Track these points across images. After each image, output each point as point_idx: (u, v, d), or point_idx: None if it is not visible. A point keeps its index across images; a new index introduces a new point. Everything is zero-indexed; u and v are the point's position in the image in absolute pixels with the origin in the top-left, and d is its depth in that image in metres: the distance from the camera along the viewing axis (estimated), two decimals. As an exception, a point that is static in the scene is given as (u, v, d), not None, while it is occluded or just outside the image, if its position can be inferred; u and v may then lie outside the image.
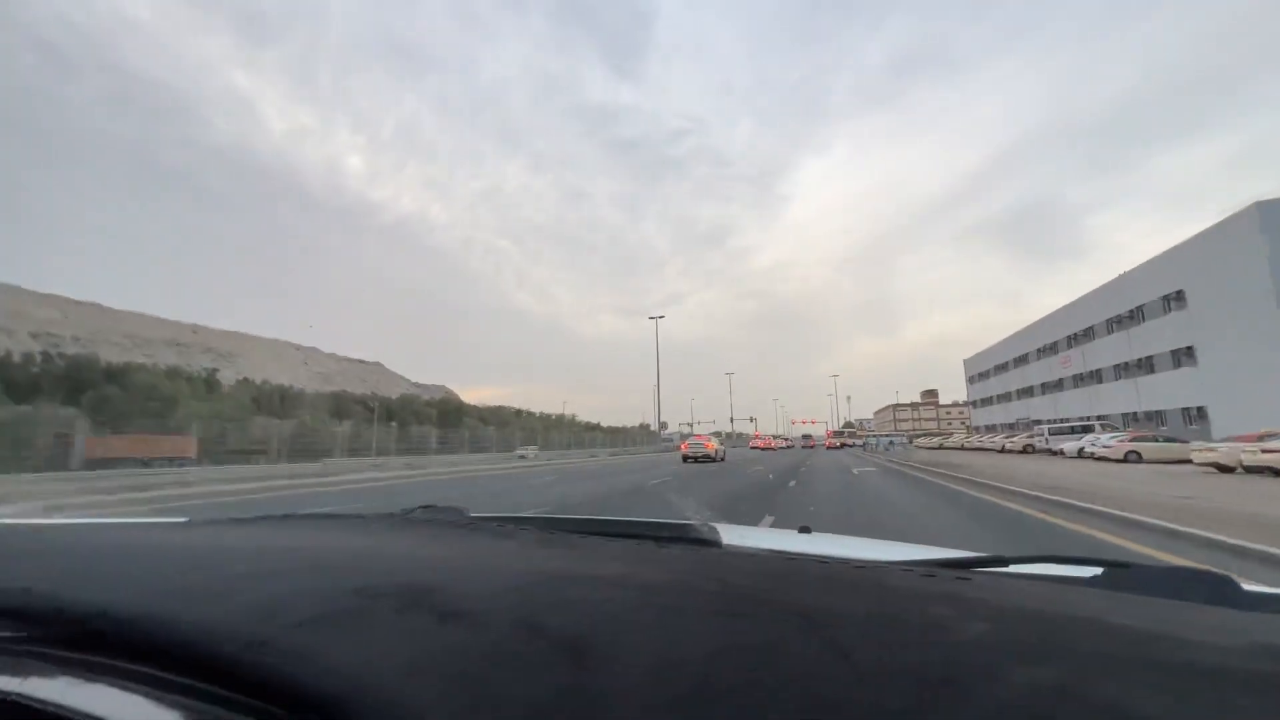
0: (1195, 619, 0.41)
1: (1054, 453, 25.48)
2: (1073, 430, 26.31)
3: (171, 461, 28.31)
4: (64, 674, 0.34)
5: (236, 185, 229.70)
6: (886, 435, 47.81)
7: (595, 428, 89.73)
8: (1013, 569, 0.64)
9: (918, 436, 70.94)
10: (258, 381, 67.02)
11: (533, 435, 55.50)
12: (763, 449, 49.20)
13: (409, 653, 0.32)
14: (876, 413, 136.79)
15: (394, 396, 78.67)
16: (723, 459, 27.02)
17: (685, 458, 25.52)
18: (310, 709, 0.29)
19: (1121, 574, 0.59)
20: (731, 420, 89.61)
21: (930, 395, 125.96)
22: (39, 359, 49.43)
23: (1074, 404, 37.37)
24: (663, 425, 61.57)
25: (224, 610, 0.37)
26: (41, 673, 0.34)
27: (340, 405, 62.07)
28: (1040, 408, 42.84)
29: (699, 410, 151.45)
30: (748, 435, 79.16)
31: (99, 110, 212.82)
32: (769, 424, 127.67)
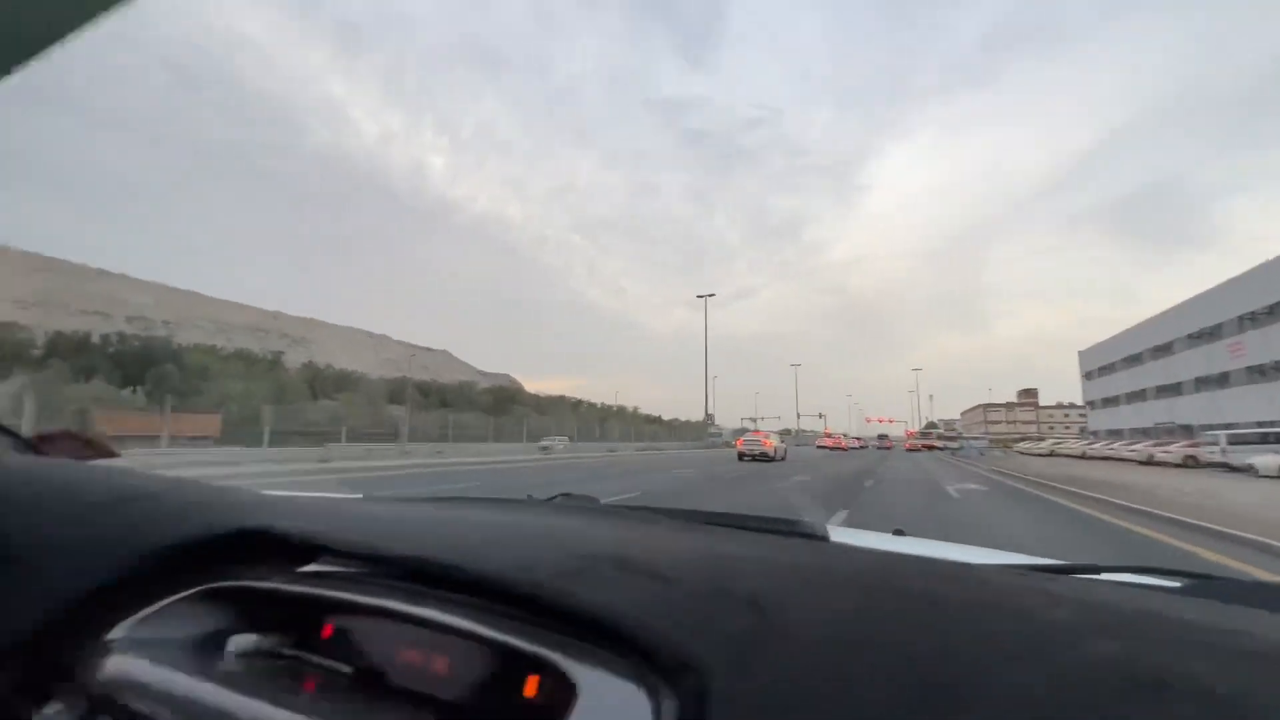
0: (1272, 623, 0.44)
1: (1232, 468, 18.86)
2: (1263, 439, 19.44)
3: (193, 441, 27.32)
4: (402, 597, 0.48)
5: (330, 185, 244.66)
6: (967, 437, 40.28)
7: (655, 421, 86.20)
8: (1104, 576, 0.67)
9: (1017, 441, 61.94)
10: (321, 365, 68.41)
11: (590, 426, 52.69)
12: (830, 449, 43.50)
13: (640, 597, 0.42)
14: (964, 413, 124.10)
15: (455, 384, 78.56)
16: (783, 458, 23.28)
17: (741, 455, 22.75)
18: (587, 629, 0.40)
19: (1208, 585, 0.64)
20: (798, 416, 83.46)
21: (1028, 395, 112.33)
22: (115, 340, 51.46)
23: (1246, 404, 29.07)
24: (710, 418, 55.33)
25: (502, 562, 0.49)
26: (393, 596, 0.48)
27: (397, 390, 61.98)
28: (1190, 409, 34.36)
29: (764, 406, 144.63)
30: (815, 433, 72.40)
31: (214, 119, 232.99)
32: (840, 422, 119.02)
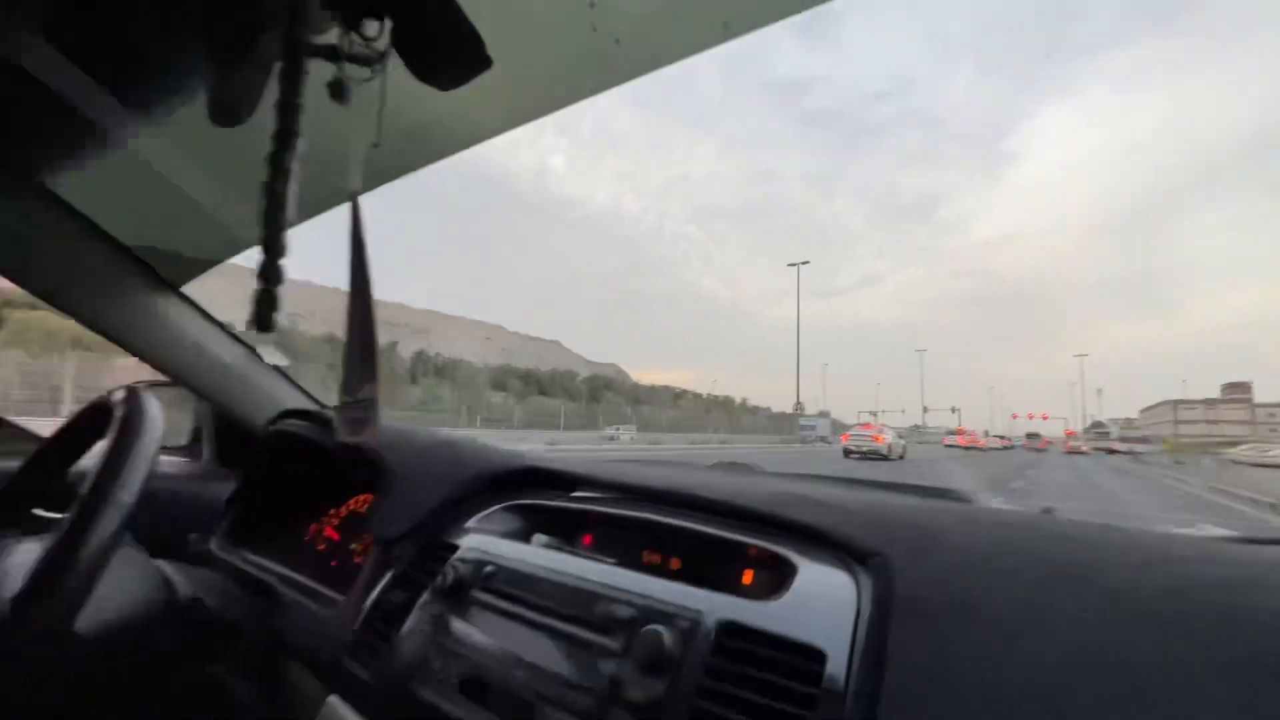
0: None
1: None
2: None
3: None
4: (651, 512, 0.69)
5: (460, 189, 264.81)
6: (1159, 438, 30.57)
7: (756, 411, 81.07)
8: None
9: (1223, 445, 48.47)
10: (432, 354, 72.18)
11: (692, 417, 49.70)
12: (964, 448, 36.05)
13: (832, 516, 0.57)
14: (1144, 410, 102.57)
15: (551, 372, 79.46)
16: (900, 457, 19.55)
17: (847, 451, 20.00)
18: (794, 535, 0.57)
19: None
20: (925, 410, 73.74)
21: (1237, 389, 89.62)
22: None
23: None
24: (799, 407, 46.39)
25: (719, 493, 0.67)
26: (643, 511, 0.70)
27: (499, 378, 63.43)
28: None
29: (887, 398, 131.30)
30: (945, 430, 62.21)
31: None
32: (979, 418, 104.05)
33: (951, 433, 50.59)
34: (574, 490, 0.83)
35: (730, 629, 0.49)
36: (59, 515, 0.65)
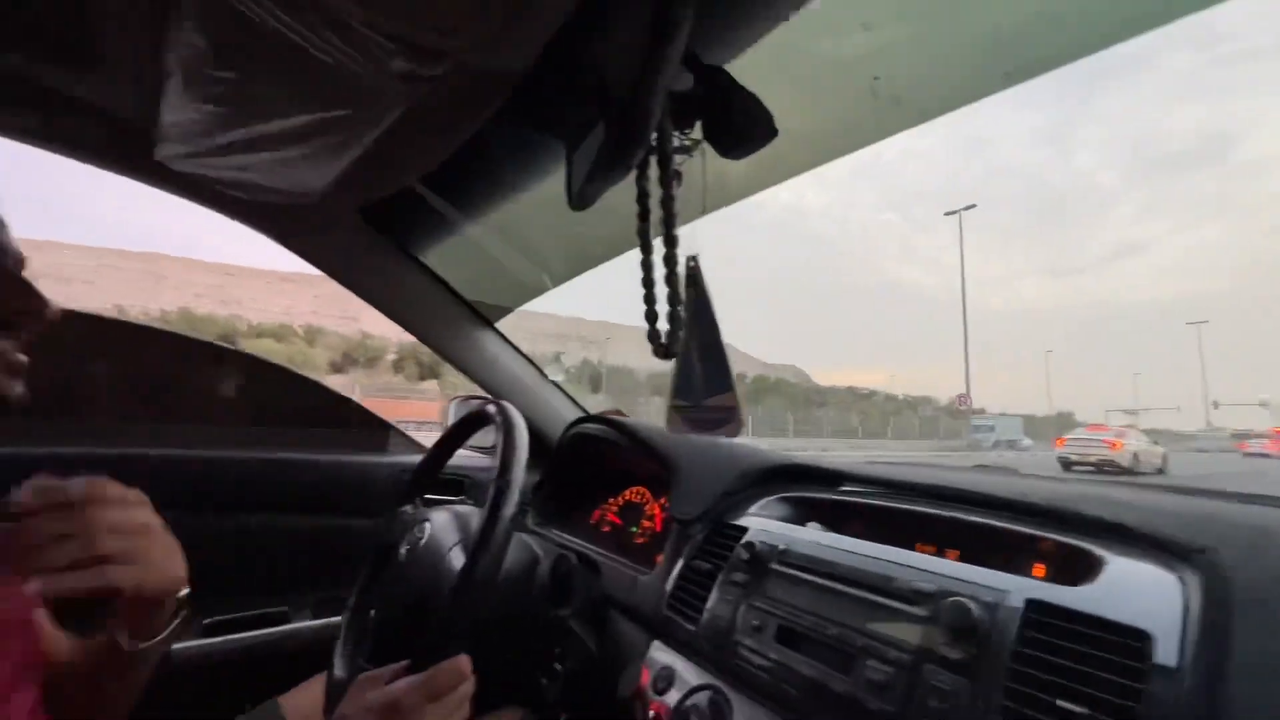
0: None
1: None
2: None
3: (420, 425, 32.83)
4: (909, 502, 0.79)
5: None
6: None
7: (961, 413, 72.77)
8: None
9: None
10: (595, 361, 77.16)
11: (878, 420, 46.67)
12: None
13: (1137, 515, 0.58)
14: None
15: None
16: (1159, 470, 16.01)
17: (1066, 463, 16.22)
18: (1099, 530, 0.59)
19: None
20: (1214, 405, 59.82)
21: None
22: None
23: None
24: (961, 400, 33.97)
25: (996, 489, 0.73)
26: (915, 504, 0.78)
27: (660, 384, 65.57)
28: None
29: (1150, 393, 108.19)
30: (1229, 433, 47.97)
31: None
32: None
33: (1253, 436, 38.71)
34: (838, 485, 0.95)
35: (1038, 606, 0.52)
36: (438, 497, 0.95)
